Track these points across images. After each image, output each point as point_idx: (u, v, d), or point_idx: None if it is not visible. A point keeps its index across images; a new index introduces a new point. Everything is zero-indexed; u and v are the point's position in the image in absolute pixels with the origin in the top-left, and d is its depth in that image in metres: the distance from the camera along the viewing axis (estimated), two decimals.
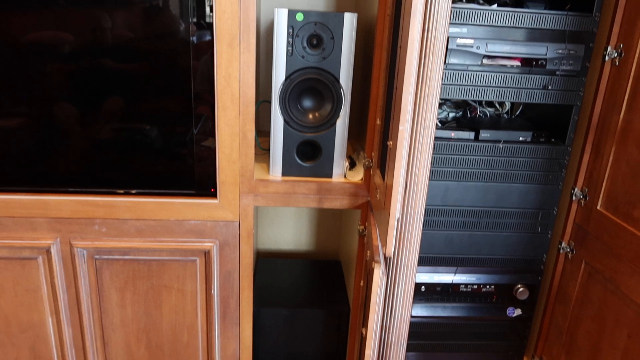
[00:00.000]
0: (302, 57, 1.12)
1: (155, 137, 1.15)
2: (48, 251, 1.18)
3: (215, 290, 1.25)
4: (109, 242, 1.20)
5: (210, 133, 1.14)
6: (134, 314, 1.26)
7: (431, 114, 0.84)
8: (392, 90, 0.93)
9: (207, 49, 1.07)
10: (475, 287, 1.48)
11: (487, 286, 1.49)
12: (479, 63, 1.25)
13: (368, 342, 0.99)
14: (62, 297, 1.22)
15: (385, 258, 0.95)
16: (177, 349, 1.30)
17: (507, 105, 1.53)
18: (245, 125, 1.13)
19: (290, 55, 1.12)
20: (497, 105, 1.53)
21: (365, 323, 1.04)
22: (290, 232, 1.78)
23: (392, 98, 0.91)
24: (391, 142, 0.88)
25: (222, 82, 1.08)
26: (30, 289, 1.21)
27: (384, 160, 1.04)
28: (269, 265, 1.66)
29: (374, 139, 1.15)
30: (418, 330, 1.54)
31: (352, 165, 1.28)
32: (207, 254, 1.22)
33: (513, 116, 1.56)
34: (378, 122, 1.07)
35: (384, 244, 0.90)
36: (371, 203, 1.18)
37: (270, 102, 1.17)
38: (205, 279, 1.24)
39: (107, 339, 1.28)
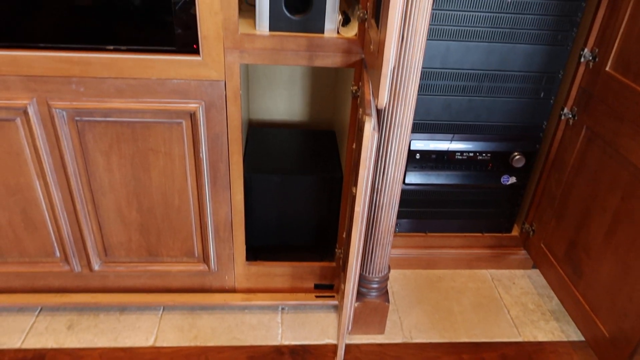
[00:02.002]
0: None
1: None
2: (25, 112, 1.12)
3: (203, 154, 1.22)
4: (88, 102, 1.13)
5: None
6: (122, 178, 1.24)
7: None
8: None
9: None
10: (472, 154, 1.46)
11: (484, 154, 1.46)
12: None
13: (357, 199, 0.97)
14: (47, 160, 1.19)
15: (378, 111, 0.90)
16: (169, 213, 1.30)
17: None
18: None
19: None
20: None
21: (355, 182, 1.02)
22: (283, 103, 1.72)
23: None
24: None
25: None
26: (13, 152, 1.18)
27: (379, 9, 0.94)
28: (261, 134, 1.62)
29: None
30: (411, 197, 1.54)
31: (347, 21, 1.18)
32: (192, 116, 1.17)
33: None
34: None
35: (376, 96, 0.84)
36: (365, 60, 1.10)
37: None
38: (193, 142, 1.20)
39: (97, 203, 1.27)
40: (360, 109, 1.01)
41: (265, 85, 1.67)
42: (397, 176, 1.13)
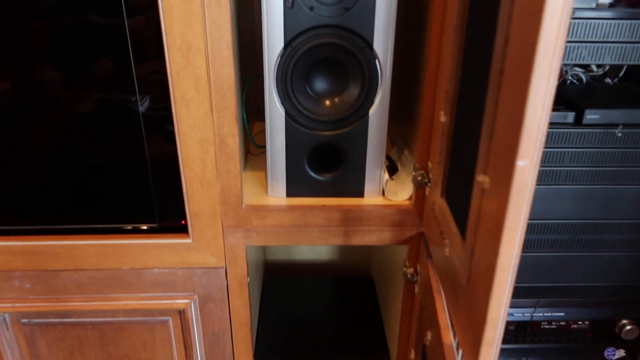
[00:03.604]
0: (311, 8, 0.67)
1: (88, 147, 0.73)
2: None
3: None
4: (38, 302, 0.81)
5: (171, 139, 0.71)
6: None
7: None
8: (480, 69, 0.49)
9: (146, 2, 0.63)
10: (563, 323, 1.08)
11: (579, 322, 1.08)
12: (594, 5, 0.79)
13: None
14: None
15: None
16: None
17: (607, 64, 1.06)
18: (223, 127, 0.70)
19: (290, 6, 0.67)
20: (594, 66, 1.06)
21: None
22: None
23: (482, 86, 0.47)
24: (486, 180, 0.45)
25: (177, 57, 0.65)
26: None
27: (452, 179, 0.61)
28: (279, 286, 1.27)
29: (431, 141, 0.71)
30: None
31: (392, 170, 0.86)
32: (182, 313, 0.83)
33: (616, 80, 1.09)
34: (443, 118, 0.63)
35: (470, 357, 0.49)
36: (427, 236, 0.76)
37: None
38: (184, 344, 0.86)
39: None
40: (429, 333, 0.66)
41: None
42: None
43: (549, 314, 1.10)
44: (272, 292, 1.24)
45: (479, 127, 0.49)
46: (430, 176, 0.71)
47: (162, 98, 0.69)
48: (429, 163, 0.72)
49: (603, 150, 0.95)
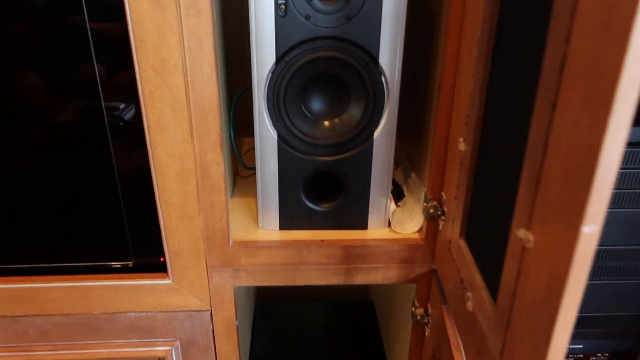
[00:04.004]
0: (306, 17, 0.58)
1: (50, 173, 0.63)
2: None
3: None
4: None
5: (146, 168, 0.62)
6: None
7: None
8: (516, 95, 0.40)
9: (114, 9, 0.54)
10: (581, 356, 0.99)
11: (598, 354, 0.99)
12: None
13: None
14: None
15: None
16: None
17: None
18: (206, 154, 0.60)
19: (282, 15, 0.58)
20: None
21: None
22: None
23: (520, 117, 0.38)
24: (530, 239, 0.36)
25: (149, 76, 0.55)
26: None
27: (474, 219, 0.52)
28: (271, 315, 1.17)
29: (445, 169, 0.62)
30: None
31: (398, 195, 0.76)
32: None
33: None
34: (462, 146, 0.54)
35: None
36: (440, 276, 0.67)
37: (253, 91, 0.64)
38: None
39: None
40: None
41: None
42: None
43: (568, 346, 1.00)
44: (265, 318, 1.15)
45: (515, 168, 0.40)
46: (445, 209, 0.62)
47: (134, 121, 0.59)
48: (443, 194, 0.63)
49: (627, 171, 0.86)
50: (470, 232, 0.54)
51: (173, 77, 0.55)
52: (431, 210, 0.64)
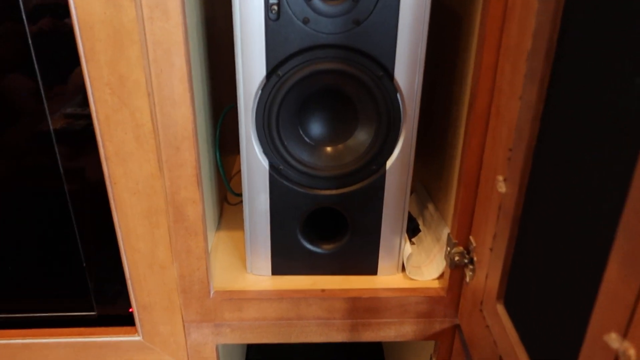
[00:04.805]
0: (305, 21, 0.46)
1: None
2: None
3: None
4: None
5: (104, 206, 0.50)
6: None
7: None
8: (594, 132, 0.29)
9: (60, 9, 0.42)
10: None
11: None
12: None
13: None
14: None
15: None
16: None
17: None
18: (179, 191, 0.48)
19: (274, 17, 0.46)
20: None
21: None
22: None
23: (603, 166, 0.27)
24: (631, 353, 0.24)
25: (104, 96, 0.43)
26: None
27: (520, 281, 0.40)
28: (265, 356, 1.05)
29: (475, 209, 0.50)
30: None
31: (413, 230, 0.65)
32: None
33: None
34: (503, 187, 0.42)
35: None
36: (465, 336, 0.55)
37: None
38: None
39: None
40: None
41: None
42: None
43: None
44: None
45: (595, 232, 0.28)
46: (474, 257, 0.50)
47: (90, 150, 0.48)
48: (472, 239, 0.51)
49: None
50: (512, 298, 0.42)
51: (134, 97, 0.43)
52: (456, 258, 0.52)
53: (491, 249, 0.45)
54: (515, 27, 0.41)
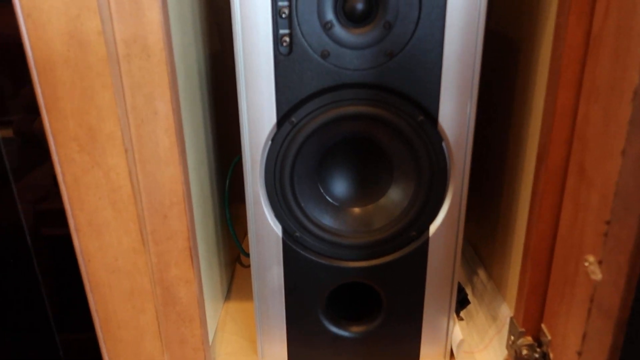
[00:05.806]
0: (324, 55, 0.37)
1: None
2: None
3: None
4: None
5: (79, 287, 0.40)
6: None
7: None
8: None
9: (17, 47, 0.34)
10: None
11: None
12: None
13: None
14: None
15: None
16: None
17: None
18: (169, 269, 0.39)
19: (286, 51, 0.37)
20: None
21: None
22: None
23: None
24: None
25: (71, 153, 0.34)
26: None
27: None
28: None
29: (549, 293, 0.38)
30: None
31: (461, 302, 0.53)
32: None
33: None
34: (597, 272, 0.31)
35: None
36: None
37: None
38: None
39: None
40: None
41: None
42: None
43: None
44: None
45: None
46: (549, 354, 0.38)
47: (60, 217, 0.38)
48: (545, 329, 0.39)
49: None
50: None
51: (109, 154, 0.34)
52: (524, 352, 0.40)
53: (579, 353, 0.33)
54: (607, 59, 0.30)
